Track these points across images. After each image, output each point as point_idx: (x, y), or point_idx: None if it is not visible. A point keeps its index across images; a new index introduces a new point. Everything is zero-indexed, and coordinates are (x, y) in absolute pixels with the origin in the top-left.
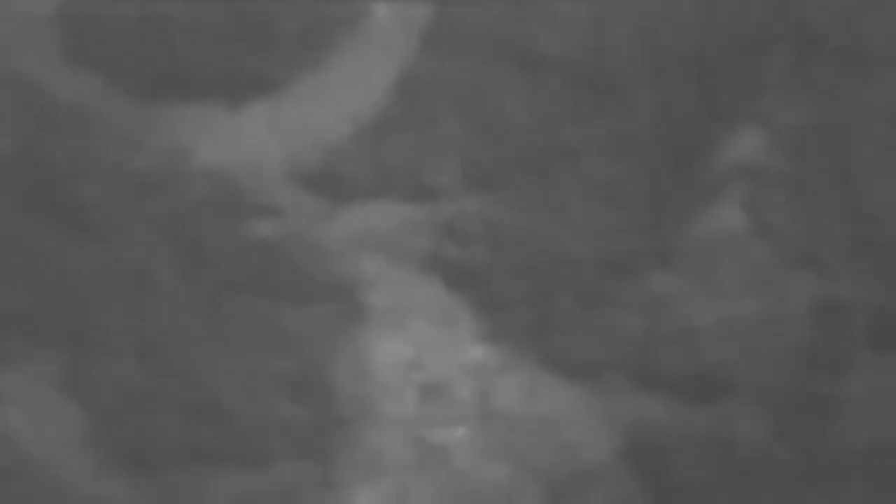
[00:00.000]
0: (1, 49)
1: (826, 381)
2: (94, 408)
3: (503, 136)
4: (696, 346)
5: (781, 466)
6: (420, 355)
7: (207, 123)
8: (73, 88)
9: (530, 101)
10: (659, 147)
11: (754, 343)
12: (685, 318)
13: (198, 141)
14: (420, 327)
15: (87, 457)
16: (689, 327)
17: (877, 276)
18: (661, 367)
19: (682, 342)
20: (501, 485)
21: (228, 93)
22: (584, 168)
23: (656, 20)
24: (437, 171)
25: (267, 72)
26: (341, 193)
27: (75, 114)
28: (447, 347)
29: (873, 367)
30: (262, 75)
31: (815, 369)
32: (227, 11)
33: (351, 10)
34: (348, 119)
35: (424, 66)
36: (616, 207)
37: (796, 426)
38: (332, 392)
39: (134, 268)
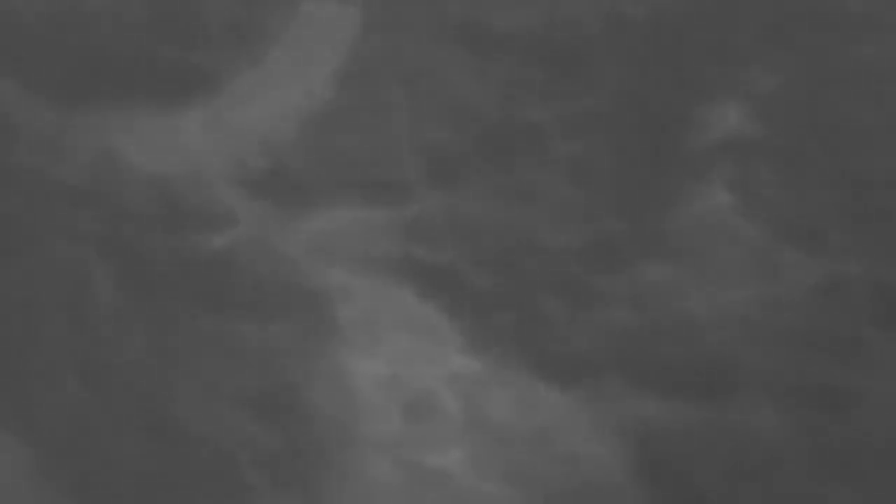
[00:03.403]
0: None
1: (837, 368)
2: (41, 438)
3: (459, 121)
4: (694, 338)
5: (802, 463)
6: (399, 370)
7: (139, 127)
8: None
9: (483, 82)
10: (629, 124)
11: (756, 331)
12: (680, 309)
13: (130, 146)
14: (396, 339)
15: (39, 492)
16: (685, 318)
17: (876, 247)
18: (659, 364)
19: (678, 335)
20: None
21: (159, 92)
22: (549, 150)
23: None
24: (395, 166)
25: (199, 68)
26: (294, 197)
27: None
28: (428, 359)
29: (883, 348)
30: (194, 72)
31: (823, 355)
32: (149, 4)
33: None
34: (293, 115)
35: (369, 51)
36: (592, 191)
37: (813, 419)
38: (308, 415)
39: (69, 285)
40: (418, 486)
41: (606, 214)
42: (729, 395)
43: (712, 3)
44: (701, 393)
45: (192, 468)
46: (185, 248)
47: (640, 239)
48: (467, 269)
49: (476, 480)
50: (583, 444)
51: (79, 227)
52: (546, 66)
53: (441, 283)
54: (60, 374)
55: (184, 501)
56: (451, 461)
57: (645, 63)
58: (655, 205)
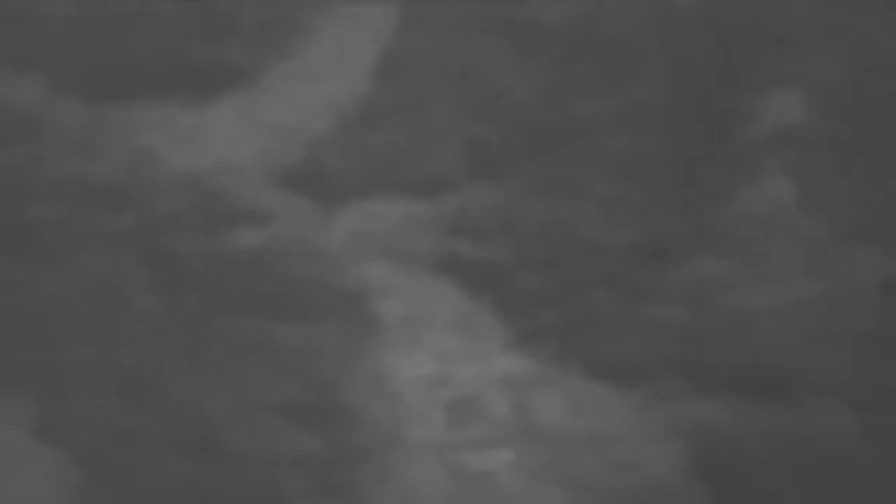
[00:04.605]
0: None
1: None
2: (79, 452)
3: (502, 115)
4: (751, 336)
5: (874, 469)
6: (444, 369)
7: (172, 124)
8: (17, 94)
9: (526, 75)
10: (682, 116)
11: (818, 330)
12: (737, 307)
13: (163, 144)
14: (440, 338)
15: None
16: (742, 316)
17: None
18: (716, 364)
19: (735, 333)
20: None
21: (191, 88)
22: (599, 144)
23: None
24: (437, 161)
25: (231, 63)
26: (333, 193)
27: (22, 122)
28: (473, 358)
29: None
30: (226, 67)
31: (886, 355)
32: (180, 1)
33: None
34: (329, 109)
35: (406, 44)
36: (642, 186)
37: (875, 420)
38: (350, 418)
39: (104, 291)
40: (464, 490)
41: (658, 209)
42: (787, 396)
43: None
44: (758, 393)
45: (234, 476)
46: (221, 247)
47: (693, 234)
48: (514, 265)
49: (524, 483)
50: (636, 446)
51: (112, 227)
52: (592, 57)
53: (487, 279)
54: (97, 383)
55: None
56: (498, 464)
57: (696, 53)
58: (709, 199)
